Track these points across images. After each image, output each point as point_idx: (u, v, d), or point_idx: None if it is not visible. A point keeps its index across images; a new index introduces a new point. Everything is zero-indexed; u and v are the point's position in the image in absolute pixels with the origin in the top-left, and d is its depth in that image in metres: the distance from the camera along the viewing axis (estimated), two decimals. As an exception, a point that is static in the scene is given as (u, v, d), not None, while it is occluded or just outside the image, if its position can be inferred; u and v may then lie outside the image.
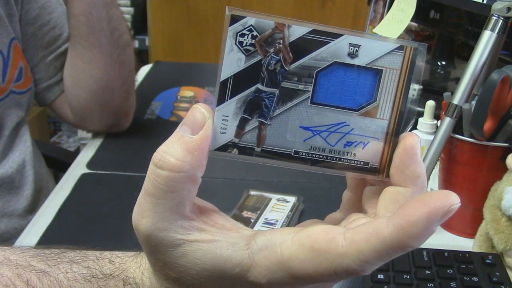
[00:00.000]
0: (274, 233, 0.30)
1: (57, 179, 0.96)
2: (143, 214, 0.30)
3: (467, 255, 0.59)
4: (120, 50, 0.91)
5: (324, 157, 0.31)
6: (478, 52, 0.67)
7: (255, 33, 0.29)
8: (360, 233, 0.28)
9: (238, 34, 0.29)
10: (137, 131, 1.02)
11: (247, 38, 0.29)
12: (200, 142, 0.30)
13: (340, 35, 0.29)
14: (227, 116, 0.30)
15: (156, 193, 0.30)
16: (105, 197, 0.79)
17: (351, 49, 0.29)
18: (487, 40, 0.66)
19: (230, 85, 0.29)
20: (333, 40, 0.29)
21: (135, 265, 0.37)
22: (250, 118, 0.30)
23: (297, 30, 0.29)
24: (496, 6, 0.66)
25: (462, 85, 0.67)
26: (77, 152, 1.54)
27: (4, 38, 0.85)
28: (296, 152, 0.30)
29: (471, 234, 0.68)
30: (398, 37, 0.99)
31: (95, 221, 0.73)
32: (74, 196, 0.79)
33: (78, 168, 0.88)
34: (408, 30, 1.25)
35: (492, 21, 0.67)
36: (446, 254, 0.59)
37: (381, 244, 0.27)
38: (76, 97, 0.95)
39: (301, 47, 0.29)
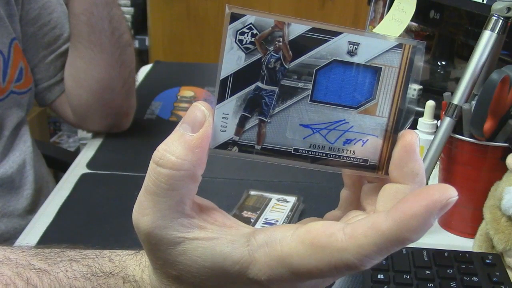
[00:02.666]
0: (274, 230, 0.30)
1: (57, 179, 0.96)
2: (144, 212, 0.31)
3: (467, 255, 0.59)
4: (121, 50, 0.91)
5: (324, 154, 0.31)
6: (478, 52, 0.67)
7: (255, 31, 0.29)
8: (359, 228, 0.28)
9: (238, 32, 0.29)
10: (137, 131, 1.02)
11: (247, 36, 0.29)
12: (201, 140, 0.30)
13: (340, 33, 0.29)
14: (227, 114, 0.30)
15: (157, 191, 0.30)
16: (105, 197, 0.79)
17: (351, 47, 0.29)
18: (487, 40, 0.66)
19: (230, 83, 0.29)
20: (333, 38, 0.29)
21: (135, 263, 0.37)
22: (250, 116, 0.30)
23: (297, 28, 0.29)
24: (496, 6, 0.66)
25: (462, 85, 0.67)
26: (77, 152, 1.54)
27: (5, 38, 0.85)
28: (295, 150, 0.30)
29: (471, 234, 0.68)
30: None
31: (95, 221, 0.73)
32: (74, 196, 0.79)
33: (78, 168, 0.88)
34: (408, 30, 1.25)
35: (492, 21, 0.67)
36: (446, 254, 0.59)
37: (380, 238, 0.27)
38: (77, 97, 0.95)
39: (301, 45, 0.29)
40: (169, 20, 2.33)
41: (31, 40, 0.92)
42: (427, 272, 0.56)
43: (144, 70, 1.39)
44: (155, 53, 2.32)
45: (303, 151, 0.30)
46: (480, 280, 0.55)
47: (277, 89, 0.29)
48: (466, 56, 1.06)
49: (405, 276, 0.55)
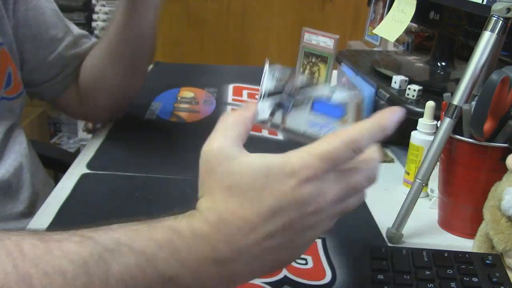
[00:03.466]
0: None
1: (57, 180, 0.95)
2: (213, 141, 0.45)
3: (467, 255, 0.59)
4: (148, 63, 0.99)
5: (318, 138, 0.48)
6: (478, 53, 0.67)
7: (281, 73, 0.50)
8: (360, 123, 0.45)
9: (272, 71, 0.50)
10: (137, 132, 1.02)
11: (277, 74, 0.50)
12: (252, 112, 0.49)
13: (321, 86, 0.50)
14: (265, 107, 0.49)
15: (226, 127, 0.47)
16: (105, 197, 0.79)
17: (330, 93, 0.50)
18: (487, 40, 0.67)
19: (267, 94, 0.50)
20: (320, 88, 0.50)
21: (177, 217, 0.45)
22: (277, 110, 0.49)
23: (301, 80, 0.50)
24: (496, 6, 0.66)
25: (462, 86, 0.67)
26: (77, 153, 1.54)
27: None
28: (304, 132, 0.49)
29: (471, 235, 0.68)
30: (397, 37, 0.99)
31: (95, 221, 0.73)
32: (74, 196, 0.79)
33: (78, 168, 0.87)
34: (408, 31, 1.25)
35: (492, 21, 0.67)
36: (446, 254, 0.59)
37: (371, 125, 0.45)
38: (94, 100, 0.99)
39: (304, 88, 0.50)
40: (169, 21, 2.33)
41: (29, 42, 0.92)
42: (427, 272, 0.56)
43: (144, 71, 1.39)
44: (155, 54, 2.32)
45: (307, 133, 0.49)
46: (480, 280, 0.55)
47: (293, 101, 0.49)
48: (466, 57, 1.06)
49: (405, 276, 0.55)
